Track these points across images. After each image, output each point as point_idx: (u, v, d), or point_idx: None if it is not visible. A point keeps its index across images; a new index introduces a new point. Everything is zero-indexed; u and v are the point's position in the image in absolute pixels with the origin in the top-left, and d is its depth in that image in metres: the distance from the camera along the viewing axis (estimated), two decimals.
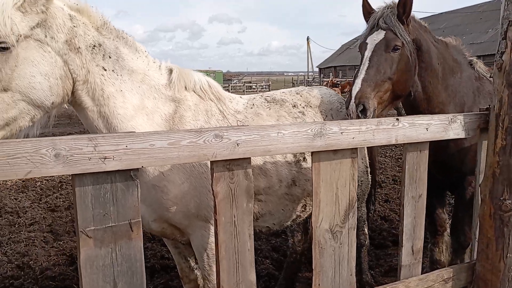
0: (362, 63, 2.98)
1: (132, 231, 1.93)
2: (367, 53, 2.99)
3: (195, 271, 3.03)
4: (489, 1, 45.84)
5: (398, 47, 2.95)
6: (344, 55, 69.51)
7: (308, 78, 61.84)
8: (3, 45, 2.01)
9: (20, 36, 2.06)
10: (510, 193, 2.51)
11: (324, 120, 3.13)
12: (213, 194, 2.10)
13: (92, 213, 1.83)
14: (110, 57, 2.38)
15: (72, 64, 2.23)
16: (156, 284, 3.82)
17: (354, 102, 2.82)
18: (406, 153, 2.56)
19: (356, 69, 3.08)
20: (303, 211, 3.04)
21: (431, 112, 3.07)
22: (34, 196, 7.11)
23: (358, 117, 2.78)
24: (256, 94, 3.16)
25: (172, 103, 2.53)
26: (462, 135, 2.64)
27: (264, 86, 42.19)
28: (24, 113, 2.12)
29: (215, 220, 2.13)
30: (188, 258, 3.00)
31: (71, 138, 1.73)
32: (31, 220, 5.92)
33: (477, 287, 2.75)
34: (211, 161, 2.05)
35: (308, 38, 72.05)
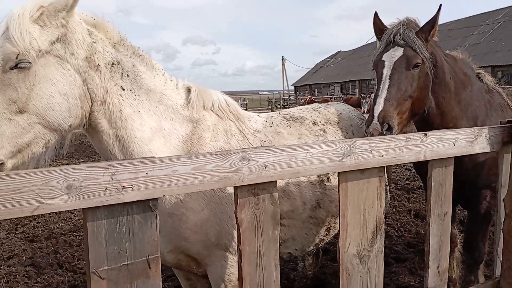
0: (382, 81, 2.84)
1: (150, 268, 1.71)
2: (386, 71, 2.86)
3: None
4: (456, 20, 47.53)
5: (418, 64, 2.84)
6: (318, 73, 70.47)
7: (284, 96, 62.27)
8: (22, 64, 1.82)
9: (40, 51, 1.87)
10: None
11: (345, 137, 2.99)
12: (237, 222, 1.90)
13: (105, 250, 1.61)
14: (128, 76, 2.18)
15: (91, 83, 2.04)
16: None
17: (378, 121, 2.68)
18: (431, 169, 2.42)
19: (376, 88, 2.94)
20: (326, 234, 2.87)
21: (445, 127, 2.96)
22: (8, 225, 6.52)
23: (380, 135, 2.64)
24: (272, 112, 2.99)
25: (190, 123, 2.35)
26: (487, 149, 2.52)
27: (241, 105, 42.15)
28: (38, 138, 1.90)
29: (239, 251, 1.92)
30: None
31: (85, 166, 1.51)
32: (9, 252, 5.45)
33: None
34: (235, 187, 1.86)
35: (283, 58, 72.68)
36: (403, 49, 2.87)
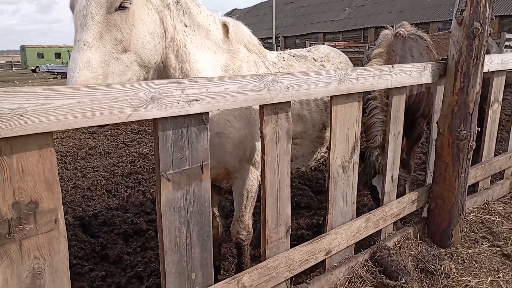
0: None
1: (203, 172, 2.00)
2: None
3: (217, 218, 3.15)
4: None
5: None
6: None
7: None
8: (125, 3, 1.90)
9: None
10: (465, 125, 3.12)
11: None
12: (261, 136, 2.25)
13: (171, 157, 1.87)
14: (186, 13, 2.33)
15: (166, 21, 2.16)
16: (133, 247, 3.75)
17: None
18: (392, 97, 2.99)
19: None
20: (326, 152, 3.36)
21: None
22: None
23: None
24: (277, 52, 3.31)
25: (228, 55, 2.57)
26: (430, 80, 3.16)
27: None
28: (134, 76, 2.01)
29: (263, 161, 2.29)
30: (213, 206, 3.09)
31: (163, 81, 1.73)
32: None
33: (435, 204, 3.38)
34: (260, 105, 2.19)
35: None
36: None
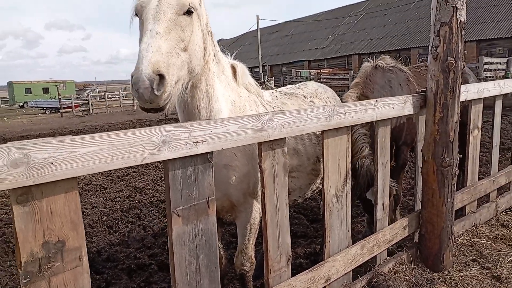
0: None
1: (209, 207, 2.17)
2: None
3: (220, 250, 3.28)
4: (326, 11, 51.79)
5: None
6: None
7: None
8: (191, 9, 2.19)
9: (199, 4, 2.31)
10: (447, 152, 3.34)
11: None
12: (260, 171, 2.43)
13: (180, 194, 2.03)
14: (215, 46, 2.63)
15: (206, 44, 2.43)
16: (137, 282, 3.84)
17: None
18: (378, 128, 3.21)
19: None
20: (321, 183, 3.54)
21: None
22: None
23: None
24: (269, 91, 3.54)
25: (235, 93, 2.81)
26: (411, 111, 3.39)
27: (123, 95, 37.64)
28: (183, 76, 2.20)
29: (262, 194, 2.47)
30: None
31: (173, 126, 1.92)
32: None
33: (425, 229, 3.56)
34: (259, 143, 2.39)
35: None
36: None
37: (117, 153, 1.71)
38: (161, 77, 1.92)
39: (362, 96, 3.97)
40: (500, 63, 20.82)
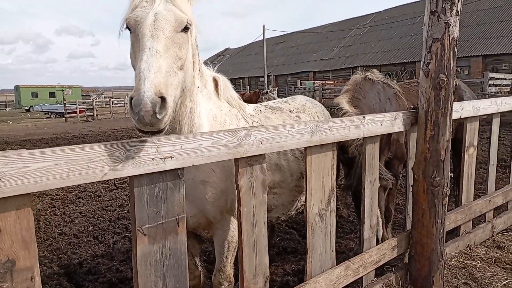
0: None
1: (178, 226, 2.07)
2: None
3: (199, 268, 3.18)
4: (331, 23, 51.89)
5: None
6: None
7: None
8: (189, 26, 2.13)
9: (193, 21, 2.22)
10: (438, 172, 3.24)
11: None
12: (237, 188, 2.34)
13: (147, 211, 1.94)
14: (200, 59, 2.57)
15: (194, 59, 2.39)
16: None
17: None
18: (365, 145, 3.11)
19: None
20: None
21: None
22: None
23: None
24: (254, 104, 3.46)
25: (217, 107, 2.74)
26: (402, 128, 3.30)
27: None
28: (177, 94, 2.14)
29: (239, 212, 2.37)
30: (194, 256, 3.13)
31: (138, 140, 1.83)
32: None
33: (415, 250, 3.44)
34: (235, 159, 2.30)
35: None
36: None
37: (74, 168, 1.63)
38: (163, 99, 1.79)
39: (354, 99, 3.93)
40: (506, 79, 20.71)
